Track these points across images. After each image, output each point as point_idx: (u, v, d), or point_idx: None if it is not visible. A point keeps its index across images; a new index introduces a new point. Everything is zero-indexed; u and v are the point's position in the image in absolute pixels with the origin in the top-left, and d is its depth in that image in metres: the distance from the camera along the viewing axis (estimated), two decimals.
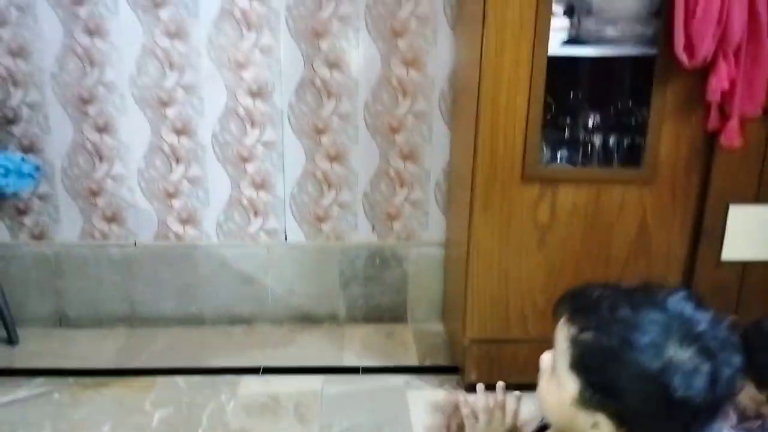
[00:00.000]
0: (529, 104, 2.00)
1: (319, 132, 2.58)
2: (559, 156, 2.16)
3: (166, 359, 2.53)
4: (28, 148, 2.54)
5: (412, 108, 2.57)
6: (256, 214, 2.67)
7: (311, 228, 2.70)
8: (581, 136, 2.16)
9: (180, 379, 2.40)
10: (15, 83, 2.47)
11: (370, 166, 2.63)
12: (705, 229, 2.14)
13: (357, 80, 2.53)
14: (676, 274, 2.20)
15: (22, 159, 2.44)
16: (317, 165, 2.62)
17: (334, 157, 2.62)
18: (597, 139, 2.12)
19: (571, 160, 2.16)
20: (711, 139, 2.05)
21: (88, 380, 2.38)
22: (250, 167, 2.62)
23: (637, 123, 2.09)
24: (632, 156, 2.12)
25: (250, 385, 2.37)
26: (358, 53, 2.50)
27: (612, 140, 2.11)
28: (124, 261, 2.68)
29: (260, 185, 2.64)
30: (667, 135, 2.04)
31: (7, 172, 2.37)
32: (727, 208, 2.12)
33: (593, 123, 2.14)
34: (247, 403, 2.27)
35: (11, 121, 2.51)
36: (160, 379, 2.39)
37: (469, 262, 2.19)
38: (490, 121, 2.04)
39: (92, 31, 2.44)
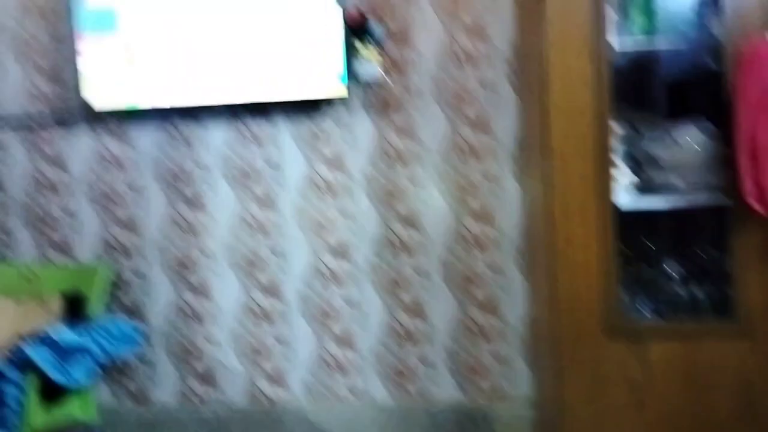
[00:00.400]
0: (602, 257, 1.95)
1: (399, 287, 2.62)
2: (643, 308, 2.04)
3: None
4: (132, 312, 2.74)
5: (487, 260, 2.57)
6: (341, 372, 2.68)
7: (396, 386, 2.66)
8: (664, 287, 2.05)
9: None
10: (125, 253, 2.73)
11: (450, 320, 2.61)
12: None
13: (431, 236, 2.59)
14: None
15: (127, 323, 2.62)
16: (398, 320, 2.63)
17: (415, 312, 2.62)
18: (682, 290, 2.00)
19: (656, 312, 2.04)
20: None
21: None
22: (334, 325, 2.67)
23: (721, 271, 1.96)
24: (722, 307, 1.97)
25: None
26: (431, 210, 2.59)
27: (696, 290, 1.98)
28: (217, 424, 2.74)
29: (344, 342, 2.67)
30: (757, 284, 1.89)
31: (115, 339, 2.53)
32: None
33: (675, 272, 2.03)
34: None
35: (120, 288, 2.74)
36: None
37: (561, 425, 2.06)
38: (566, 277, 2.01)
39: (193, 204, 2.69)
